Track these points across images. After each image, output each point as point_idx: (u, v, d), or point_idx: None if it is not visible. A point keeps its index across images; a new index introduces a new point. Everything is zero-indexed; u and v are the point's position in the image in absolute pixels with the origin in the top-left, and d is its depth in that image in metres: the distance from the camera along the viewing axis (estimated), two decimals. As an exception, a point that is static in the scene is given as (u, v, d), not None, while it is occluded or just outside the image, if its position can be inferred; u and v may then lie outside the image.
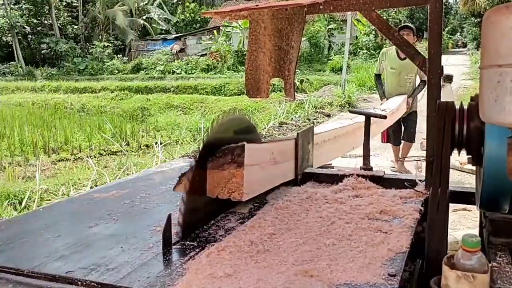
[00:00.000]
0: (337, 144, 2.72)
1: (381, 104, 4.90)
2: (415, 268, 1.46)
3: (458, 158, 2.58)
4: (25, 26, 29.87)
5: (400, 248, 1.24)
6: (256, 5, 1.87)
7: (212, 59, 23.37)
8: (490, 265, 1.10)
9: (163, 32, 33.14)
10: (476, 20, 27.43)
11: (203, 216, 1.46)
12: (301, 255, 1.21)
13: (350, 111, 2.73)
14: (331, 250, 1.24)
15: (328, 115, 9.91)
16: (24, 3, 30.79)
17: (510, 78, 1.04)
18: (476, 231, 1.81)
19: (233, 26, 20.87)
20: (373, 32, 23.39)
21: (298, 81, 13.94)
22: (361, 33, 23.00)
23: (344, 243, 1.29)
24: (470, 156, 1.58)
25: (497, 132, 1.34)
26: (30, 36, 31.47)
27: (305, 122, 9.12)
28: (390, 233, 1.36)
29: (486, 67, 1.13)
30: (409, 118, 5.20)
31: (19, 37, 30.07)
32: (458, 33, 46.67)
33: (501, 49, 1.07)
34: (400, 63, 4.96)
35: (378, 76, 5.44)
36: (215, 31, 25.22)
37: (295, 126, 8.78)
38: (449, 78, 2.12)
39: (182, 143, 8.18)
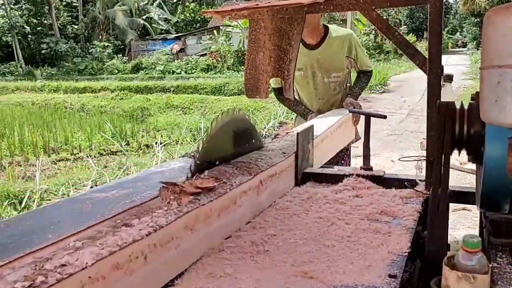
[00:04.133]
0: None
1: (284, 131, 2.30)
2: (415, 269, 1.46)
3: (458, 158, 2.58)
4: (25, 26, 29.87)
5: (400, 250, 1.24)
6: (256, 5, 1.87)
7: (212, 59, 23.38)
8: (490, 265, 1.10)
9: (163, 32, 33.15)
10: (476, 20, 27.47)
11: None
12: (300, 256, 1.21)
13: (350, 111, 2.71)
14: (330, 251, 1.24)
15: (328, 115, 9.91)
16: (24, 3, 30.81)
17: (510, 78, 1.04)
18: (476, 231, 1.81)
19: (233, 26, 20.85)
20: (373, 32, 23.43)
21: (298, 81, 13.94)
22: (361, 32, 22.99)
23: (344, 244, 1.29)
24: (470, 155, 1.58)
25: (497, 132, 1.34)
26: (30, 36, 31.47)
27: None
28: (389, 235, 1.36)
29: (486, 68, 1.13)
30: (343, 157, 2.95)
31: (19, 37, 30.07)
32: (458, 33, 46.69)
33: (501, 49, 1.06)
34: (311, 56, 2.79)
35: (279, 92, 2.78)
36: (215, 31, 25.20)
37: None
38: (449, 78, 2.12)
39: (182, 143, 8.18)
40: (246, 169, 1.50)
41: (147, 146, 8.83)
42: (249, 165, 1.53)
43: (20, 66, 28.57)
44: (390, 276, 1.08)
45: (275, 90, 2.95)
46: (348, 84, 3.00)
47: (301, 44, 2.51)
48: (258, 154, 1.70)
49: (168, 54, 26.91)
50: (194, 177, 1.32)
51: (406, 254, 1.22)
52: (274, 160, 1.68)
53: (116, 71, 26.11)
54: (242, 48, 20.50)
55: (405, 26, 31.17)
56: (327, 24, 2.89)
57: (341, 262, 1.17)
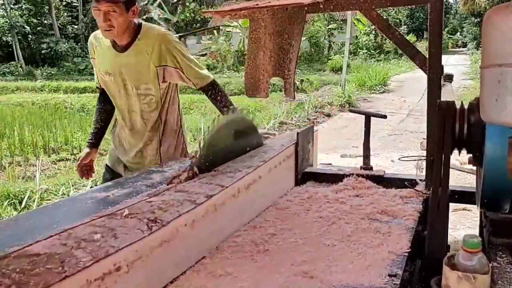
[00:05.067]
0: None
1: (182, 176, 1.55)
2: (415, 269, 1.46)
3: (459, 157, 2.58)
4: (25, 26, 29.86)
5: (400, 250, 1.24)
6: (256, 4, 1.86)
7: (212, 59, 23.36)
8: (490, 265, 1.10)
9: (163, 32, 33.12)
10: (476, 20, 27.47)
11: None
12: (300, 255, 1.21)
13: (350, 111, 2.73)
14: (331, 251, 1.24)
15: (328, 115, 9.92)
16: (24, 3, 30.80)
17: (510, 77, 1.04)
18: (476, 231, 1.81)
19: (233, 26, 20.84)
20: (373, 32, 23.42)
21: (298, 81, 13.94)
22: (361, 32, 23.00)
23: (344, 244, 1.29)
24: (470, 155, 1.58)
25: (497, 131, 1.34)
26: (30, 36, 31.43)
27: (305, 122, 9.12)
28: (390, 234, 1.36)
29: (486, 67, 1.13)
30: None
31: (19, 37, 30.04)
32: (458, 33, 46.68)
33: (501, 48, 1.06)
34: (119, 60, 2.20)
35: (102, 95, 2.43)
36: (215, 31, 25.19)
37: (295, 126, 8.78)
38: (449, 78, 2.12)
39: (182, 143, 8.18)
40: (48, 267, 0.81)
41: (147, 146, 8.81)
42: (64, 257, 0.85)
43: (20, 66, 28.54)
44: (390, 276, 1.08)
45: (100, 93, 2.42)
46: (171, 100, 2.31)
47: (110, 45, 2.20)
48: (93, 227, 1.02)
49: (168, 54, 26.90)
50: None
51: (406, 254, 1.22)
52: (124, 241, 0.94)
53: (116, 71, 26.07)
54: (242, 48, 20.49)
55: (405, 26, 31.19)
56: (144, 22, 2.25)
57: (341, 261, 1.17)
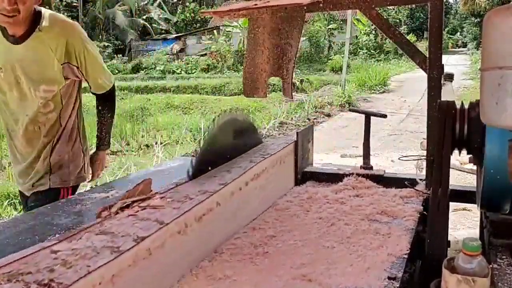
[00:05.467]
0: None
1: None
2: (415, 269, 1.45)
3: (459, 157, 2.57)
4: (25, 26, 29.90)
5: (400, 252, 1.23)
6: (255, 4, 1.85)
7: (212, 59, 23.37)
8: (490, 267, 1.09)
9: (163, 32, 33.13)
10: (476, 20, 27.46)
11: None
12: (300, 258, 1.20)
13: (350, 110, 2.73)
14: (330, 253, 1.23)
15: (328, 115, 9.91)
16: (24, 3, 30.83)
17: (510, 80, 1.03)
18: (476, 231, 1.80)
19: (233, 26, 20.84)
20: (373, 32, 23.41)
21: (298, 80, 13.94)
22: (361, 32, 23.00)
23: (343, 246, 1.28)
24: (470, 155, 1.57)
25: (497, 133, 1.33)
26: (30, 36, 31.48)
27: (305, 122, 9.11)
28: (389, 236, 1.35)
29: (486, 69, 1.12)
30: None
31: (19, 37, 30.10)
32: (458, 33, 46.66)
33: (502, 50, 1.06)
34: (13, 53, 1.82)
35: None
36: (215, 31, 25.22)
37: (295, 126, 8.77)
38: (450, 77, 2.11)
39: (182, 143, 8.17)
40: None
41: (147, 146, 8.81)
42: None
43: (20, 66, 28.57)
44: (389, 278, 1.07)
45: None
46: (74, 100, 2.01)
47: (1, 32, 1.81)
48: None
49: (168, 54, 26.89)
50: None
51: (406, 256, 1.21)
52: None
53: (116, 71, 26.03)
54: (242, 48, 20.49)
55: (405, 26, 31.19)
56: (45, 9, 1.86)
57: (340, 264, 1.16)
